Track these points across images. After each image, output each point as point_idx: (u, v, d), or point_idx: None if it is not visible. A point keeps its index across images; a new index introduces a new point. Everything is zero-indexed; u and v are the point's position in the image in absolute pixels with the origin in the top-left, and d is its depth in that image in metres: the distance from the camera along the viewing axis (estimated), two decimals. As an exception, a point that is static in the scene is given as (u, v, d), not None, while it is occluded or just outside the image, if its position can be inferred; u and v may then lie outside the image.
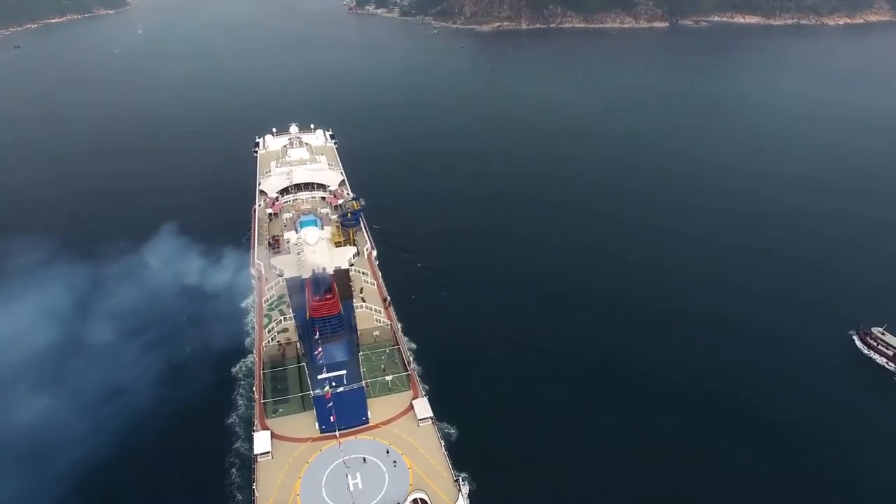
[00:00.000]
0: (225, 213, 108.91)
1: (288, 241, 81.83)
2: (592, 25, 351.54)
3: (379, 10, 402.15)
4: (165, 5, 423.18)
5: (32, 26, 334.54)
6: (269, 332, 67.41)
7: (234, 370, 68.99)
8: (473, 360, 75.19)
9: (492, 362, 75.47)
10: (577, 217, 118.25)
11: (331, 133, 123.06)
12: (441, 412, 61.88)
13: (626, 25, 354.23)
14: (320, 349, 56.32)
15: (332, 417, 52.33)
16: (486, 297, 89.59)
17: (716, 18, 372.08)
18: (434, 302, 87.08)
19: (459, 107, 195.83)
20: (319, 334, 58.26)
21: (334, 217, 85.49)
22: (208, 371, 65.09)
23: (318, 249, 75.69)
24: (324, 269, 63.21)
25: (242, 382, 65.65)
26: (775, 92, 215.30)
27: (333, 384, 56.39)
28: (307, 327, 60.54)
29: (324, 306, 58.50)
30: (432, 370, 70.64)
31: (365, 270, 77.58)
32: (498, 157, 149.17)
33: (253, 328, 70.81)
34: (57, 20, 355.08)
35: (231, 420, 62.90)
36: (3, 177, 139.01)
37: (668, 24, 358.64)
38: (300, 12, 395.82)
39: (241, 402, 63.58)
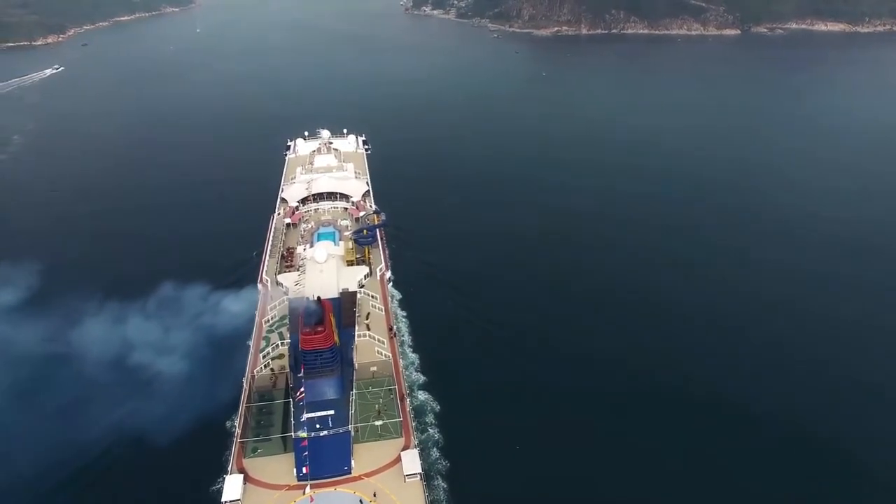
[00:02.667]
0: (248, 221, 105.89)
1: (301, 257, 77.69)
2: (657, 32, 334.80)
3: (435, 12, 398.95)
4: (228, 4, 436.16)
5: (104, 24, 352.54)
6: (263, 356, 63.25)
7: (228, 424, 58.66)
8: (492, 413, 64.33)
9: (515, 413, 64.76)
10: (643, 241, 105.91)
11: (364, 139, 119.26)
12: (447, 476, 55.69)
13: (693, 33, 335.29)
14: (302, 390, 51.24)
15: (305, 468, 47.21)
16: (519, 331, 78.87)
17: (793, 26, 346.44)
18: (456, 332, 78.11)
19: (507, 116, 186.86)
20: (305, 371, 53.29)
21: (347, 233, 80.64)
22: (197, 425, 56.62)
23: (327, 269, 71.07)
24: (318, 297, 58.06)
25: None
26: (868, 109, 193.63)
27: (318, 426, 51.56)
28: (298, 358, 55.81)
29: (314, 339, 53.49)
30: (437, 417, 63.08)
31: (375, 294, 72.28)
32: (548, 173, 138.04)
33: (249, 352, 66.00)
34: (126, 18, 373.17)
35: (219, 485, 51.68)
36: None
37: (739, 32, 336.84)
38: (357, 13, 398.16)
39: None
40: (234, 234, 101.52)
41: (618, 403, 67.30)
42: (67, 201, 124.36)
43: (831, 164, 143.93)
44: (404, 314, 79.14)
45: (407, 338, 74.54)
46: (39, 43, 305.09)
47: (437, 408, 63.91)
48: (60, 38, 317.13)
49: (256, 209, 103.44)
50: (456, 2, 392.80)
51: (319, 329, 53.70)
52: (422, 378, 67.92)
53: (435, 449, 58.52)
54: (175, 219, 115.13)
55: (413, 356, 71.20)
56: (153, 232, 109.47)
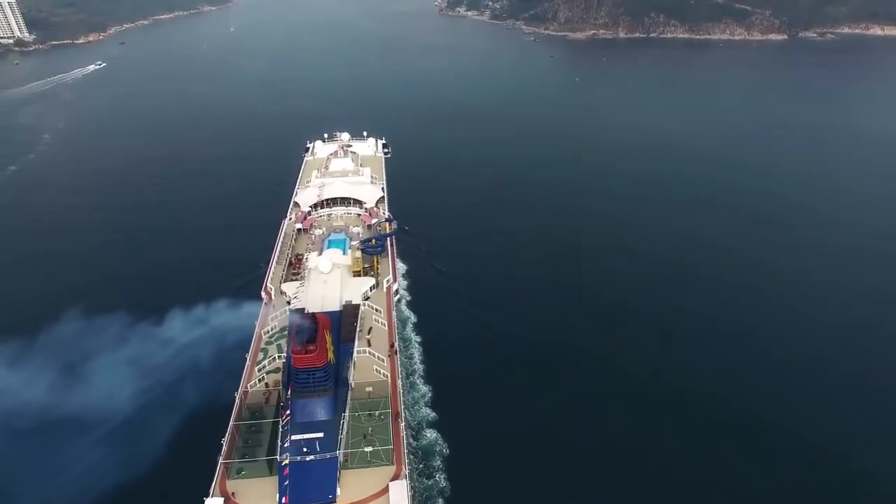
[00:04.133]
0: (265, 225, 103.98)
1: (305, 266, 75.28)
2: (697, 36, 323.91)
3: (469, 13, 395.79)
4: (263, 3, 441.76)
5: (144, 22, 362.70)
6: (259, 369, 60.90)
7: (217, 443, 53.17)
8: (511, 463, 58.27)
9: (538, 465, 58.45)
10: (674, 251, 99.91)
11: (384, 142, 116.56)
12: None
13: (735, 37, 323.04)
14: (288, 412, 48.61)
15: (284, 499, 44.50)
16: (548, 360, 73.01)
17: (846, 30, 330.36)
18: (475, 361, 72.28)
19: (537, 123, 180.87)
20: (296, 389, 50.65)
21: (355, 243, 77.90)
22: (185, 443, 54.42)
23: (330, 280, 68.40)
24: (312, 314, 55.31)
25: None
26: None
27: (305, 449, 48.89)
28: (290, 376, 53.24)
29: (305, 359, 50.78)
30: (445, 462, 58.29)
31: (379, 307, 69.09)
32: (578, 182, 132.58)
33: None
34: (165, 17, 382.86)
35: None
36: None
37: (786, 37, 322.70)
38: (391, 13, 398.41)
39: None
40: (248, 239, 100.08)
41: (668, 467, 59.25)
42: (83, 201, 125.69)
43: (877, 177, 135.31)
44: (418, 339, 75.21)
45: (419, 366, 70.38)
46: (81, 41, 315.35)
47: (447, 451, 58.95)
48: (101, 37, 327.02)
49: (274, 212, 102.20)
50: (491, 3, 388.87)
51: (311, 348, 50.90)
52: (431, 414, 63.02)
53: (440, 500, 54.05)
54: (190, 221, 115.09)
55: (424, 388, 66.70)
56: (166, 232, 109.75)
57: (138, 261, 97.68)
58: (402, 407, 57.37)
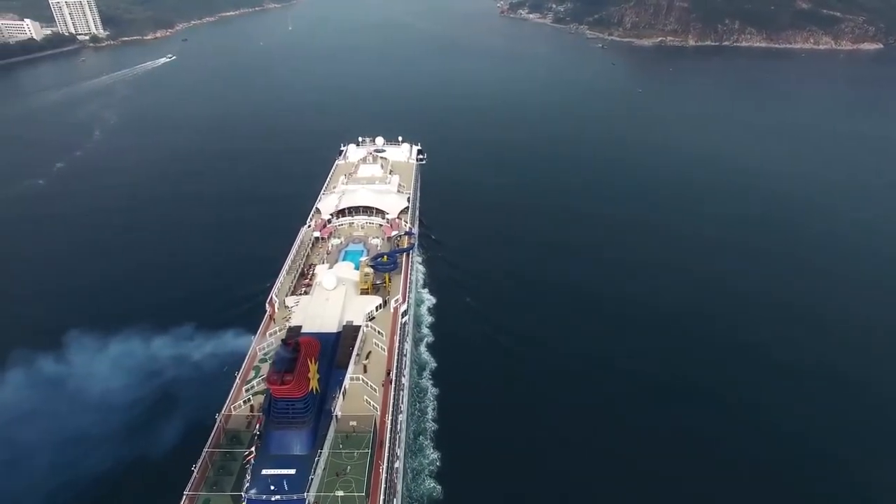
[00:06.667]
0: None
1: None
2: (777, 45, 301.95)
3: (531, 15, 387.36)
4: (326, 2, 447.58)
5: (210, 19, 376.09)
6: (247, 389, 57.44)
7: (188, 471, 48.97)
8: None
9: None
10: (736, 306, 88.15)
11: (419, 148, 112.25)
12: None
13: (820, 47, 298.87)
14: (252, 450, 44.70)
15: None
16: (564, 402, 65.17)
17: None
18: (498, 426, 62.34)
19: (587, 136, 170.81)
20: (271, 420, 46.65)
21: (364, 258, 73.64)
22: (155, 471, 51.44)
23: (333, 297, 64.27)
24: (294, 341, 51.20)
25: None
26: None
27: (273, 487, 44.88)
28: (269, 403, 49.37)
29: (281, 389, 46.74)
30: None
31: (382, 330, 64.44)
32: (626, 205, 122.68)
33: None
34: (231, 13, 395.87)
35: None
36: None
37: (881, 46, 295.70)
38: (452, 13, 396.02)
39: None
40: (270, 245, 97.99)
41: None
42: (112, 196, 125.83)
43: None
44: (435, 391, 67.65)
45: (430, 425, 62.77)
46: (149, 37, 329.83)
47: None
48: (168, 33, 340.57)
49: (302, 217, 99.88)
50: (554, 6, 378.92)
51: (287, 378, 46.73)
52: (437, 489, 54.41)
53: None
54: (212, 224, 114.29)
55: (433, 455, 58.67)
56: (190, 233, 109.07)
57: (139, 264, 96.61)
58: (390, 445, 52.52)
